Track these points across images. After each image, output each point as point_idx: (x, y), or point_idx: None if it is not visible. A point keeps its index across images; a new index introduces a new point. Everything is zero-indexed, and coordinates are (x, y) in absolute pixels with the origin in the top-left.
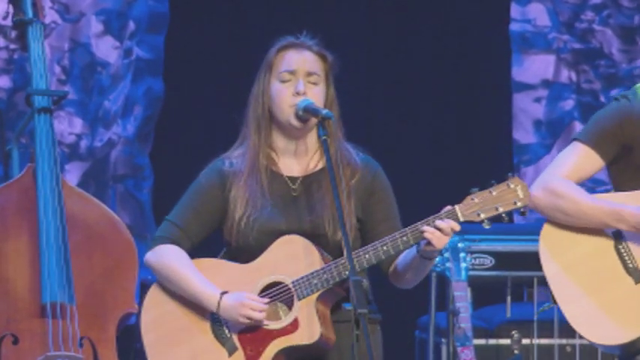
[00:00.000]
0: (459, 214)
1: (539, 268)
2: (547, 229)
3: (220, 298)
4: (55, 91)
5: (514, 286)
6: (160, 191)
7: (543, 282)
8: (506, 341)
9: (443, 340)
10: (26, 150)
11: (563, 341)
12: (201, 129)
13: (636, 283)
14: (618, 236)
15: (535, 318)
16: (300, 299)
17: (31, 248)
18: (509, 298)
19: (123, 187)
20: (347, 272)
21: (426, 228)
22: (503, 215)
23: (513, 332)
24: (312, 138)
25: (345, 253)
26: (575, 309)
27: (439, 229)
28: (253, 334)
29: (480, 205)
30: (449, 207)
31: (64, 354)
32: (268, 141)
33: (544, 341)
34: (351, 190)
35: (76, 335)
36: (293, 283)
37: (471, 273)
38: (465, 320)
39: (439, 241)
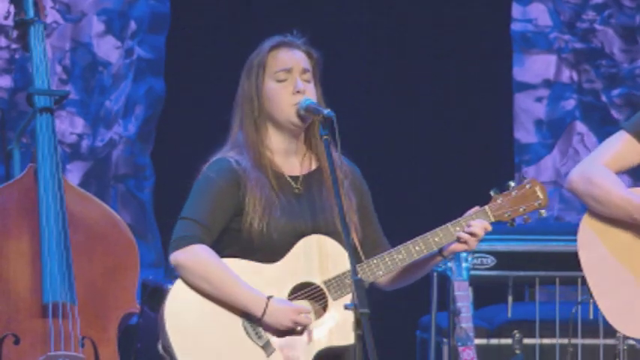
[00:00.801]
0: (490, 215)
1: (541, 267)
2: (587, 219)
3: (267, 302)
4: (57, 91)
5: (515, 285)
6: (162, 191)
7: (544, 282)
8: (508, 341)
9: (444, 339)
10: (27, 150)
11: (565, 341)
12: (203, 129)
13: None
14: None
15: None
16: (335, 299)
17: (32, 248)
18: (510, 298)
19: (124, 186)
20: (380, 272)
21: (461, 234)
22: (525, 216)
23: (515, 332)
24: (301, 138)
25: (359, 249)
26: (611, 302)
27: (473, 234)
28: (291, 335)
29: (506, 206)
30: (477, 207)
31: (65, 354)
32: (266, 142)
33: (545, 341)
34: (349, 189)
35: (77, 335)
36: (325, 283)
37: (473, 273)
38: (466, 320)
39: (474, 243)
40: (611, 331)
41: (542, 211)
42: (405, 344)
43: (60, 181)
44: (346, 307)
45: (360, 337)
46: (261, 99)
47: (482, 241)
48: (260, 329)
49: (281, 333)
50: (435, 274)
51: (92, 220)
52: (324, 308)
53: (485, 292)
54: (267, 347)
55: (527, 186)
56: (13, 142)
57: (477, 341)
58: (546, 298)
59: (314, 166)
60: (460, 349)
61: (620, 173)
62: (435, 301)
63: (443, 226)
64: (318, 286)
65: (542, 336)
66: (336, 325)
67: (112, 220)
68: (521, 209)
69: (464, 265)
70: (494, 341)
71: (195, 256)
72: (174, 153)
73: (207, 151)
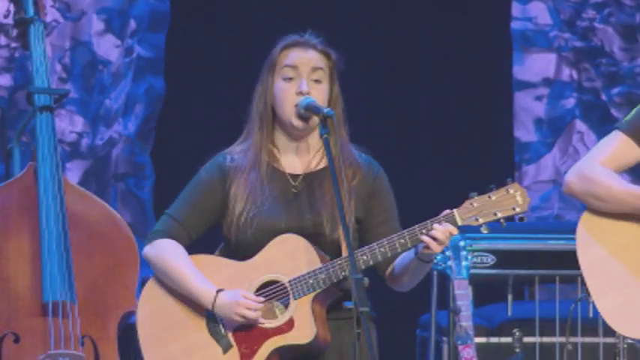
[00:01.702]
0: (458, 219)
1: (541, 266)
2: (586, 217)
3: (216, 295)
4: (56, 90)
5: (515, 284)
6: (161, 190)
7: (544, 280)
8: (508, 340)
9: (444, 338)
10: (27, 148)
11: (565, 339)
12: (202, 127)
13: None
14: None
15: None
16: (296, 299)
17: (32, 247)
18: (510, 297)
19: (124, 185)
20: (344, 273)
21: (423, 237)
22: (501, 221)
23: (515, 331)
24: (314, 137)
25: (343, 252)
26: (608, 301)
27: (435, 239)
28: (248, 332)
29: (478, 209)
30: (447, 211)
31: (65, 352)
32: (271, 138)
33: (545, 339)
34: (352, 190)
35: (77, 334)
36: (290, 282)
37: (472, 271)
38: (466, 319)
39: (437, 247)
40: (610, 330)
41: (522, 216)
42: (404, 343)
43: (60, 181)
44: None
45: (359, 336)
46: (269, 96)
47: (482, 239)
48: (220, 325)
49: (239, 329)
50: (435, 272)
51: (92, 219)
52: (287, 306)
53: (485, 291)
54: (224, 343)
55: (509, 190)
56: (13, 141)
57: (477, 340)
58: (546, 297)
59: (322, 165)
60: (460, 347)
61: (616, 173)
62: (434, 299)
63: (410, 228)
64: (283, 285)
65: (542, 334)
66: (295, 323)
67: (112, 218)
68: (497, 214)
69: (464, 263)
70: (494, 340)
71: (158, 250)
72: (174, 152)
73: (206, 150)
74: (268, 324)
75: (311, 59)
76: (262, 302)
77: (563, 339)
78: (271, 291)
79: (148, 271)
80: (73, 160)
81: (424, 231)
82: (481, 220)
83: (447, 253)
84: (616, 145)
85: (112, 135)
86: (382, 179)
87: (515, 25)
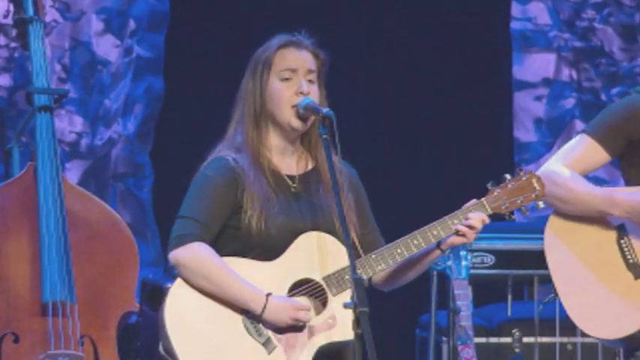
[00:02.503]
0: (487, 207)
1: (540, 266)
2: (553, 220)
3: (267, 299)
4: (56, 90)
5: (515, 284)
6: (161, 190)
7: (544, 280)
8: (507, 340)
9: (444, 338)
10: (27, 148)
11: (564, 339)
12: (202, 128)
13: (635, 278)
14: (621, 230)
15: (537, 310)
16: (334, 295)
17: (31, 247)
18: (510, 297)
19: (123, 185)
20: (379, 267)
21: (459, 227)
22: (523, 208)
23: (514, 331)
24: (300, 137)
25: (359, 247)
26: (575, 302)
27: (471, 227)
28: (292, 332)
29: (504, 198)
30: (475, 200)
31: (65, 352)
32: (264, 140)
33: (545, 339)
34: (348, 188)
35: (77, 334)
36: (324, 279)
37: (472, 271)
38: (465, 319)
39: (472, 235)
40: None
41: (540, 202)
42: (404, 343)
43: (60, 184)
44: (345, 306)
45: (359, 336)
46: (264, 97)
47: (481, 239)
48: (260, 326)
49: (281, 329)
50: (435, 272)
51: (91, 219)
52: (324, 304)
53: (485, 291)
54: (268, 344)
55: (524, 178)
56: (13, 141)
57: (477, 340)
58: (546, 297)
59: (310, 167)
60: (460, 347)
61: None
62: (434, 299)
63: (441, 220)
64: (318, 283)
65: (541, 334)
66: (336, 320)
67: (111, 218)
68: (518, 201)
69: (463, 263)
70: (493, 340)
71: (194, 254)
72: (173, 152)
73: (206, 150)
74: (311, 323)
75: (306, 60)
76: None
77: (562, 339)
78: (305, 290)
79: (148, 271)
80: (72, 160)
81: (456, 221)
82: (507, 208)
83: (447, 253)
84: (582, 149)
85: (111, 135)
86: (359, 182)
87: (514, 25)
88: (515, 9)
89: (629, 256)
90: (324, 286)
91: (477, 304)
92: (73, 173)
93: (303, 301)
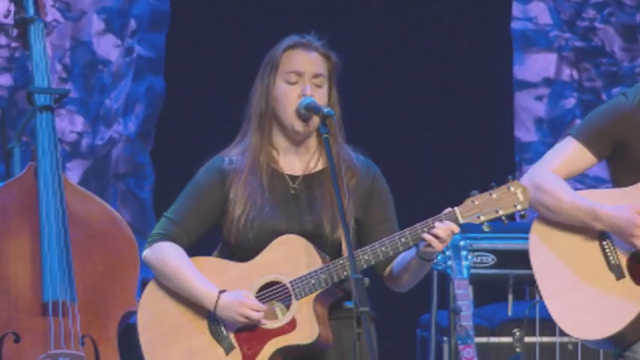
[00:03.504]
0: (459, 217)
1: None
2: (536, 224)
3: (218, 296)
4: (57, 90)
5: (516, 284)
6: (161, 189)
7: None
8: (508, 339)
9: (444, 338)
10: (27, 148)
11: (565, 339)
12: (203, 127)
13: (617, 279)
14: (603, 232)
15: (528, 309)
16: (298, 299)
17: (32, 247)
18: (510, 297)
19: (124, 185)
20: (345, 273)
21: (425, 236)
22: (503, 218)
23: (515, 330)
24: (312, 138)
25: (344, 252)
26: (558, 304)
27: (437, 237)
28: (251, 333)
29: (480, 207)
30: (449, 209)
31: (66, 352)
32: (270, 139)
33: (545, 339)
34: (351, 191)
35: (78, 333)
36: (291, 282)
37: (473, 271)
38: (466, 318)
39: (439, 245)
40: None
41: (523, 213)
42: (405, 343)
43: (60, 178)
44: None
45: (359, 336)
46: (270, 97)
47: (482, 239)
48: (222, 327)
49: (242, 329)
50: (436, 272)
51: (92, 219)
52: (288, 307)
53: (486, 291)
54: (227, 345)
55: (510, 188)
56: (13, 141)
57: (478, 340)
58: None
59: (320, 167)
60: (460, 347)
61: (568, 179)
62: (435, 299)
63: (412, 227)
64: (284, 285)
65: (542, 334)
66: (297, 323)
67: (112, 218)
68: (498, 211)
69: (464, 263)
70: (494, 339)
71: (158, 253)
72: (174, 151)
73: (206, 150)
74: (270, 324)
75: (314, 63)
76: (264, 303)
77: (563, 339)
78: (273, 292)
79: (148, 271)
80: (73, 159)
81: (426, 229)
82: (483, 218)
83: (448, 252)
84: (569, 153)
85: (112, 135)
86: (380, 180)
87: (515, 24)
88: (516, 9)
89: (610, 258)
90: (290, 288)
91: (478, 303)
92: (73, 173)
93: (269, 303)
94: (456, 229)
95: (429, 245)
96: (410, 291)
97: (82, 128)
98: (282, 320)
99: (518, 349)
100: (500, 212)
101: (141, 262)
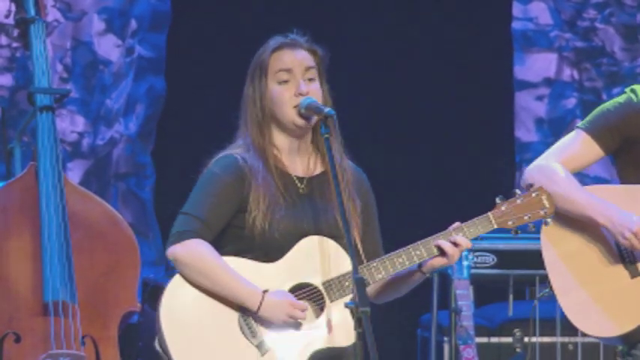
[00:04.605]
0: (493, 221)
1: (541, 266)
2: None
3: (263, 296)
4: (57, 90)
5: (516, 284)
6: (162, 189)
7: (545, 280)
8: (509, 339)
9: (445, 338)
10: (28, 148)
11: (566, 339)
12: (203, 127)
13: (632, 277)
14: None
15: (536, 303)
16: (332, 301)
17: (33, 246)
18: (511, 297)
19: (125, 185)
20: (380, 275)
21: (442, 242)
22: (530, 224)
23: (515, 330)
24: (309, 135)
25: (361, 253)
26: (571, 300)
27: (456, 244)
28: (287, 334)
29: (510, 213)
30: (457, 224)
31: (66, 352)
32: (272, 141)
33: (546, 339)
34: (352, 191)
35: (78, 333)
36: (323, 285)
37: (473, 271)
38: (467, 319)
39: (455, 256)
40: None
41: (549, 219)
42: (405, 343)
43: (60, 175)
44: (346, 306)
45: (360, 336)
46: (264, 101)
47: (483, 239)
48: (255, 327)
49: (277, 331)
50: (436, 273)
51: (93, 219)
52: (322, 309)
53: (486, 291)
54: (261, 346)
55: (534, 194)
56: (14, 141)
57: (478, 340)
58: (546, 298)
59: (319, 170)
60: (461, 347)
61: (576, 172)
62: (435, 299)
63: (424, 240)
64: (317, 287)
65: (542, 334)
66: (334, 326)
67: (112, 218)
68: (525, 217)
69: (465, 263)
70: (494, 340)
71: (192, 251)
72: (174, 151)
73: (207, 150)
74: (308, 327)
75: (303, 59)
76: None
77: (563, 339)
78: (304, 294)
79: (149, 271)
80: (74, 160)
81: (440, 241)
82: (515, 224)
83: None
84: (578, 145)
85: (112, 135)
86: (370, 190)
87: (516, 25)
88: (517, 9)
89: (626, 255)
90: (323, 291)
91: (479, 304)
92: (74, 173)
93: (299, 301)
94: (470, 245)
95: (444, 256)
96: (411, 291)
97: (83, 128)
98: (318, 322)
99: (518, 349)
100: (528, 217)
101: (141, 262)
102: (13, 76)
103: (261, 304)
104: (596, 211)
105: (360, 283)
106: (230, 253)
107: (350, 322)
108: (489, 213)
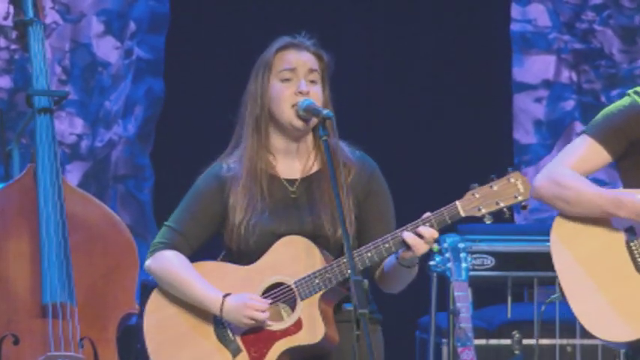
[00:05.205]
0: (460, 210)
1: (540, 268)
2: (558, 222)
3: (223, 300)
4: (56, 92)
5: (515, 286)
6: (161, 191)
7: (544, 282)
8: (507, 341)
9: (443, 340)
10: (27, 150)
11: (564, 341)
12: (202, 129)
13: None
14: (630, 232)
15: (539, 311)
16: (302, 299)
17: (31, 248)
18: (509, 299)
19: (124, 187)
20: (349, 271)
21: (406, 235)
22: (505, 210)
23: (514, 332)
24: (309, 137)
25: (345, 252)
26: (583, 304)
27: (420, 236)
28: (257, 335)
29: (480, 200)
30: (428, 213)
31: (65, 354)
32: (266, 143)
33: (545, 341)
34: (349, 187)
35: (77, 335)
36: (295, 283)
37: (472, 273)
38: (465, 320)
39: (419, 247)
40: None
41: (525, 204)
42: (404, 345)
43: (60, 188)
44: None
45: (359, 338)
46: (265, 98)
47: (481, 241)
48: (228, 331)
49: (247, 333)
50: (435, 274)
51: (92, 221)
52: (293, 308)
53: (485, 293)
54: (234, 348)
55: (510, 179)
56: (13, 143)
57: (477, 342)
58: (545, 299)
59: (316, 168)
60: (459, 349)
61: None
62: (434, 301)
63: (393, 232)
64: (289, 286)
65: (541, 336)
66: (302, 324)
67: (111, 220)
68: (498, 203)
69: (463, 265)
70: (493, 342)
71: (160, 262)
72: (173, 153)
73: (206, 152)
74: (276, 326)
75: (307, 61)
76: (269, 304)
77: (562, 341)
78: (277, 293)
79: (147, 273)
80: (72, 161)
81: (409, 230)
82: (484, 211)
83: (447, 255)
84: (584, 150)
85: (111, 137)
86: (377, 178)
87: (514, 27)
88: (515, 11)
89: (639, 259)
90: (295, 289)
91: (477, 305)
92: (73, 175)
93: (263, 301)
94: (436, 234)
95: (409, 249)
96: (409, 293)
97: (82, 130)
98: (288, 321)
99: (517, 352)
100: (501, 204)
101: (140, 264)
102: (12, 78)
103: (221, 309)
104: (614, 205)
105: (359, 285)
106: (225, 259)
107: (318, 320)
108: (457, 201)
